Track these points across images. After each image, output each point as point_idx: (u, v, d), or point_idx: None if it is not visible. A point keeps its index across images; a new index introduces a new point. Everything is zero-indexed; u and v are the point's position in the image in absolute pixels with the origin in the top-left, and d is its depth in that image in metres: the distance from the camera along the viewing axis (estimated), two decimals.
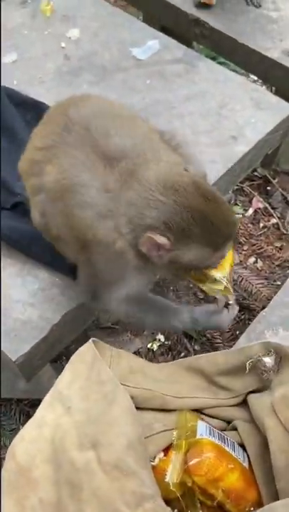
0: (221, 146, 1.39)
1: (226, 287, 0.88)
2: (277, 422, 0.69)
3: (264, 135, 1.42)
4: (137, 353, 1.58)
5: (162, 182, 0.82)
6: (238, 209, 1.98)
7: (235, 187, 2.02)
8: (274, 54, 1.61)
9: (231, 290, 0.91)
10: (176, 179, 0.82)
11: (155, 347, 1.60)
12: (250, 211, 1.99)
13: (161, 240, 0.80)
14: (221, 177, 1.35)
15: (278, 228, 1.93)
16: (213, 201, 0.82)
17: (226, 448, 0.68)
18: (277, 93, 1.61)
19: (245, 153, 1.39)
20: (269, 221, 1.96)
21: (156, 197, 0.81)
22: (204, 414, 0.78)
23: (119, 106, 1.02)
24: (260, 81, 2.03)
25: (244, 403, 0.80)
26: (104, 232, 0.86)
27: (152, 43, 1.57)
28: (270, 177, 2.03)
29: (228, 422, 0.78)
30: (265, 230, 1.94)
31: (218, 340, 1.60)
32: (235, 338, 1.56)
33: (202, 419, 0.74)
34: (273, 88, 1.80)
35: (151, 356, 1.58)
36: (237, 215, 1.96)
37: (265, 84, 1.98)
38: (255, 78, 2.03)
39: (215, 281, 0.88)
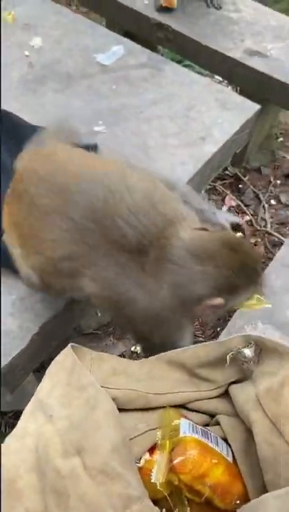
0: (190, 147, 1.41)
1: (258, 300, 0.96)
2: (263, 415, 0.70)
3: (231, 135, 1.45)
4: (121, 356, 1.58)
5: (195, 254, 0.86)
6: None
7: (208, 186, 2.05)
8: (236, 54, 1.65)
9: (264, 299, 0.98)
10: (206, 246, 0.88)
11: (139, 349, 1.60)
12: (224, 209, 2.01)
13: (218, 301, 0.86)
14: (192, 178, 1.37)
15: (252, 225, 1.97)
16: (242, 248, 0.90)
17: (209, 443, 0.69)
18: (242, 93, 1.64)
19: (214, 153, 1.42)
20: (243, 218, 1.99)
21: (196, 269, 0.86)
22: (187, 408, 0.79)
23: (100, 162, 1.00)
24: (226, 82, 2.07)
25: (226, 394, 0.81)
26: (162, 319, 0.90)
27: (116, 49, 1.59)
28: (240, 175, 2.07)
29: (211, 416, 0.79)
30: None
31: (201, 338, 1.62)
32: (217, 335, 1.58)
33: (185, 417, 0.75)
34: (238, 88, 1.84)
35: (135, 359, 1.58)
36: None
37: (230, 85, 2.02)
38: (221, 79, 2.07)
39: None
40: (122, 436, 0.69)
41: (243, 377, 0.79)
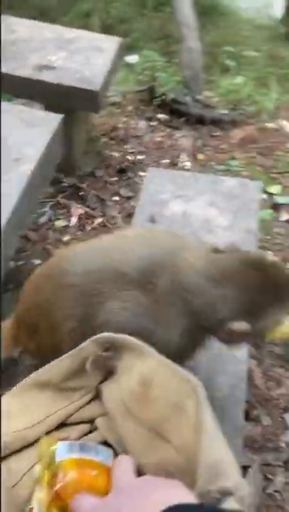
0: (7, 173, 1.38)
1: None
2: (137, 423, 0.68)
3: (44, 149, 1.46)
4: None
5: (212, 278, 0.81)
6: (61, 222, 2.01)
7: (51, 203, 2.05)
8: (25, 72, 1.66)
9: None
10: (224, 268, 0.82)
11: None
12: (74, 220, 2.03)
13: (242, 326, 0.80)
14: (19, 201, 1.35)
15: (105, 225, 2.02)
16: (264, 265, 0.84)
17: (88, 456, 0.67)
18: (47, 108, 1.67)
19: (33, 171, 1.41)
20: (94, 222, 2.03)
21: (215, 293, 0.81)
22: (66, 424, 0.77)
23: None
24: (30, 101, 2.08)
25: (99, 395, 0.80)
26: (182, 349, 0.87)
27: None
28: (78, 183, 2.11)
29: (92, 422, 0.78)
30: (95, 231, 2.00)
31: None
32: None
33: (62, 438, 0.72)
34: (42, 104, 1.87)
35: None
36: (63, 227, 1.99)
37: (34, 103, 2.03)
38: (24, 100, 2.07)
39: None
40: (3, 489, 0.64)
41: (111, 373, 0.79)
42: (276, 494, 1.27)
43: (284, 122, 2.43)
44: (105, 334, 0.77)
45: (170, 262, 0.85)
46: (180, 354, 0.90)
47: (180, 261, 0.85)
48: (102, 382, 0.79)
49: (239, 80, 2.60)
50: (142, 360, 0.72)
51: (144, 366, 0.71)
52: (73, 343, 0.87)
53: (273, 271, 0.86)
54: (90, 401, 0.79)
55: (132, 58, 3.23)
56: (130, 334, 0.83)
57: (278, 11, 6.34)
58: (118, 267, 0.86)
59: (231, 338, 0.85)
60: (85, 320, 0.89)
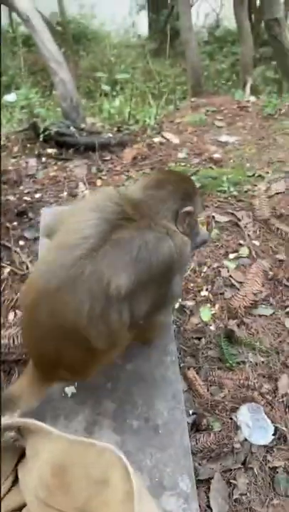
0: None
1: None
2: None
3: None
4: None
5: (152, 188, 1.14)
6: None
7: None
8: None
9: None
10: (153, 181, 1.16)
11: None
12: None
13: (189, 208, 1.15)
14: None
15: (16, 274, 1.93)
16: (174, 172, 1.38)
17: None
18: None
19: None
20: (4, 273, 1.93)
21: (161, 194, 1.13)
22: None
23: None
24: None
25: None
26: (172, 247, 1.08)
27: None
28: None
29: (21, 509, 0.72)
30: (7, 280, 1.91)
31: None
32: None
33: None
34: None
35: None
36: None
37: None
38: None
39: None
40: None
41: (23, 450, 0.74)
42: (243, 497, 1.28)
43: (169, 135, 2.53)
44: (6, 422, 0.73)
45: (121, 201, 1.07)
46: (171, 271, 1.10)
47: (126, 195, 1.10)
48: (18, 463, 0.75)
49: (117, 102, 2.67)
50: (52, 443, 0.68)
51: (54, 451, 0.67)
52: (99, 320, 0.97)
53: (179, 173, 1.40)
54: (12, 487, 0.74)
55: (11, 97, 3.19)
56: (137, 271, 0.98)
57: (144, 30, 6.70)
58: (80, 236, 0.98)
59: (185, 220, 1.16)
60: (95, 294, 0.96)
